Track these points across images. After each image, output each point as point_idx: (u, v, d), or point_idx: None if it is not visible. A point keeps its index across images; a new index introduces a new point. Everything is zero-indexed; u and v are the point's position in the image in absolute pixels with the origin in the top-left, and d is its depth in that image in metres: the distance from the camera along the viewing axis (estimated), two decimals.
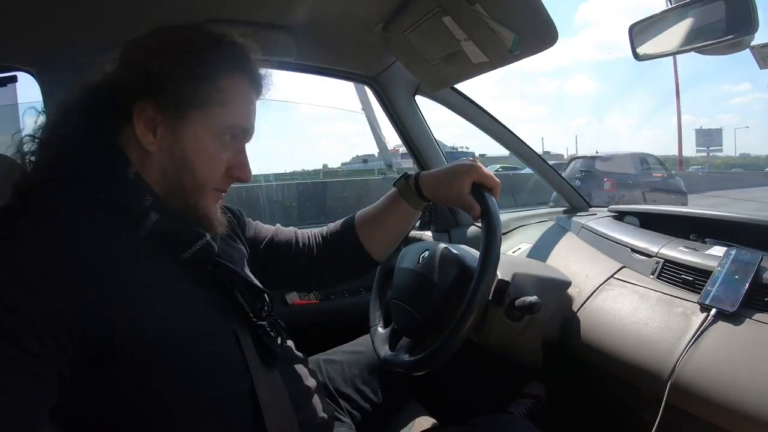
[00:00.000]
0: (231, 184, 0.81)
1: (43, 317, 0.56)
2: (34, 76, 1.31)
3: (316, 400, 0.90)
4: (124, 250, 0.67)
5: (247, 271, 0.90)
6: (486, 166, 0.94)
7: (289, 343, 0.93)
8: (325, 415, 0.89)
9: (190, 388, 0.68)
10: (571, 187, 1.82)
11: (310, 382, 0.91)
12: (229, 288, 0.78)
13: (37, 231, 0.61)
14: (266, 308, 0.82)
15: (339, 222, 1.07)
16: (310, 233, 1.07)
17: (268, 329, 0.81)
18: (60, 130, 0.73)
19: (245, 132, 0.79)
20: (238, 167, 0.79)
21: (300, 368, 0.92)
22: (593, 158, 10.46)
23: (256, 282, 0.85)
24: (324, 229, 1.08)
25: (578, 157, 11.00)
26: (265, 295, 0.83)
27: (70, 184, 0.68)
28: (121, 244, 0.67)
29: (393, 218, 1.02)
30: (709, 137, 32.61)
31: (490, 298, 0.91)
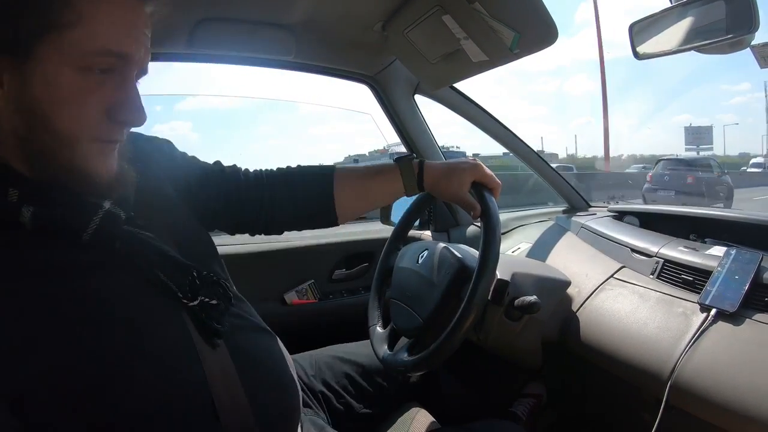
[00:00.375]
0: (122, 131, 0.62)
1: None
2: None
3: (278, 371, 0.79)
4: (12, 268, 0.54)
5: (185, 220, 0.79)
6: None
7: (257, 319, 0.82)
8: (292, 395, 0.79)
9: (146, 397, 0.57)
10: (570, 187, 1.81)
11: (270, 352, 0.81)
12: (146, 268, 0.64)
13: None
14: (196, 282, 0.68)
15: (314, 168, 0.98)
16: (264, 172, 0.97)
17: (207, 300, 0.68)
18: None
19: (123, 58, 0.58)
20: (121, 106, 0.59)
21: (255, 335, 0.80)
22: (677, 160, 13.74)
23: (178, 255, 0.69)
24: (293, 170, 0.99)
25: (664, 159, 13.80)
26: (194, 271, 0.68)
27: None
28: (7, 259, 0.54)
29: (379, 189, 0.98)
30: (698, 135, 31.99)
31: (489, 297, 0.91)
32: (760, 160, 26.60)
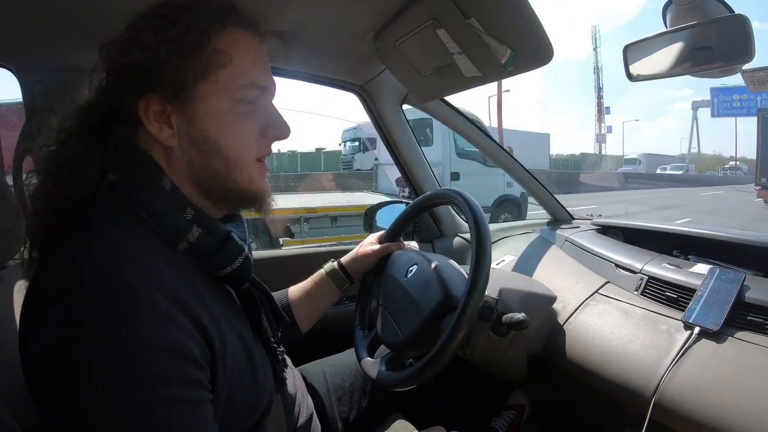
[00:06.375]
0: (271, 147, 0.74)
1: (197, 352, 0.56)
2: (13, 73, 1.26)
3: (309, 417, 0.92)
4: (179, 271, 0.61)
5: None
6: None
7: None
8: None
9: (237, 422, 0.66)
10: (554, 199, 1.83)
11: (305, 401, 0.95)
12: (257, 309, 0.76)
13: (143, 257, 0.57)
14: (281, 333, 0.82)
15: (276, 293, 1.11)
16: None
17: (282, 351, 0.82)
18: (63, 157, 0.64)
19: (263, 89, 0.70)
20: (272, 125, 0.71)
21: (298, 387, 0.94)
22: None
23: (279, 307, 0.85)
24: None
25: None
26: (283, 325, 0.84)
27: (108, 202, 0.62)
28: (175, 263, 0.62)
29: (318, 295, 1.13)
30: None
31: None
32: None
